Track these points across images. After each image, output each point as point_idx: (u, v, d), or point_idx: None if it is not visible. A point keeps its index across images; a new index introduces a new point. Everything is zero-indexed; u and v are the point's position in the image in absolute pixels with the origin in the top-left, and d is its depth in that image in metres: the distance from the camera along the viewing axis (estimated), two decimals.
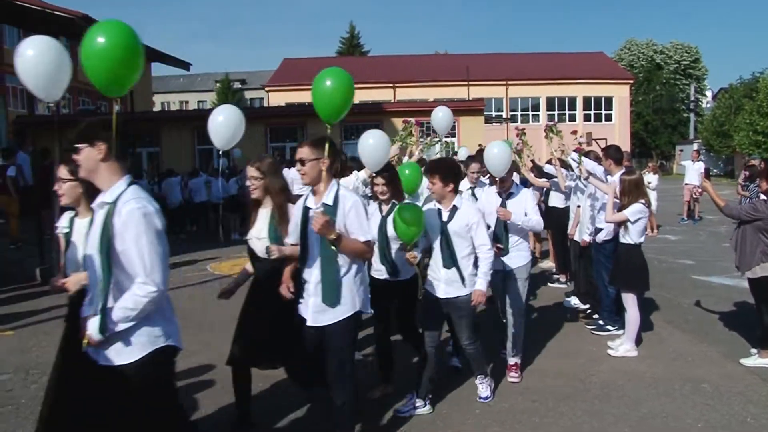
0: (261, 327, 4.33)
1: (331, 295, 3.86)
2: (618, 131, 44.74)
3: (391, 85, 43.98)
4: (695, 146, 32.34)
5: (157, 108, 53.78)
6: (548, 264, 11.21)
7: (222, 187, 16.76)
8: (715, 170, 43.63)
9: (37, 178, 11.18)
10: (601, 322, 7.26)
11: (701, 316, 8.00)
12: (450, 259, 4.84)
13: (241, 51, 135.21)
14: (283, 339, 4.26)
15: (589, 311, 7.83)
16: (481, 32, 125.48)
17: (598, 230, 7.17)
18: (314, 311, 3.92)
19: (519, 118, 44.85)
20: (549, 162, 9.38)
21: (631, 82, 50.05)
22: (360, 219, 3.90)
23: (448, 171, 4.95)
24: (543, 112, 46.50)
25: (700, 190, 6.72)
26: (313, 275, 3.92)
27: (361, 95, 40.39)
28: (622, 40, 68.60)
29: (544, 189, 10.04)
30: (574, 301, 8.35)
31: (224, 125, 5.56)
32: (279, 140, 23.28)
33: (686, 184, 17.94)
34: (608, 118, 47.15)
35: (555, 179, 9.10)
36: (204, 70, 66.99)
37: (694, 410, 5.02)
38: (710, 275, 10.56)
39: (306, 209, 4.00)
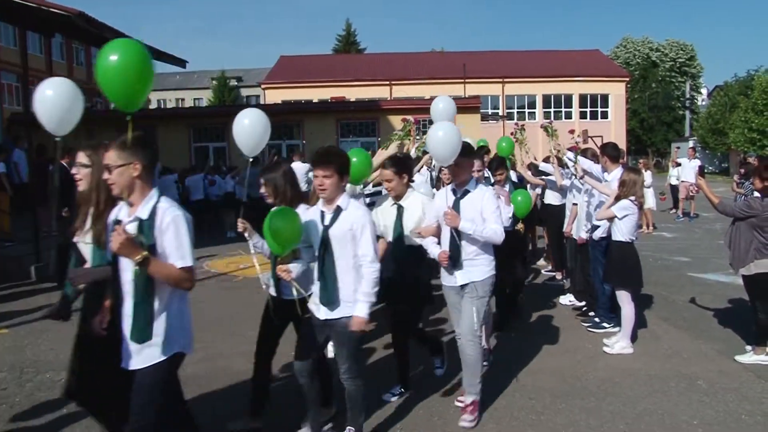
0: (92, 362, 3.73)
1: (140, 332, 3.12)
2: (614, 129, 44.77)
3: (387, 82, 43.93)
4: (691, 143, 32.40)
5: (153, 105, 53.67)
6: (542, 263, 11.24)
7: (218, 184, 16.76)
8: (710, 167, 43.74)
9: (33, 175, 11.14)
10: (597, 319, 7.27)
11: (697, 313, 8.03)
12: (327, 272, 4.05)
13: (237, 48, 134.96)
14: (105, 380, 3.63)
15: (585, 309, 7.85)
16: (477, 30, 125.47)
17: (594, 227, 7.18)
18: (125, 351, 3.28)
19: (515, 115, 44.78)
20: (546, 160, 9.40)
21: (627, 79, 50.07)
22: (179, 239, 3.18)
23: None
24: (539, 110, 46.51)
25: (696, 187, 6.73)
26: (125, 306, 3.24)
27: (358, 93, 40.48)
28: (618, 38, 69.02)
29: (540, 187, 10.06)
30: (570, 298, 8.37)
31: (249, 129, 4.84)
32: (275, 138, 23.23)
33: (683, 181, 18.01)
34: (604, 115, 47.17)
35: (550, 177, 9.11)
36: (200, 67, 66.91)
37: (689, 407, 5.04)
38: (706, 272, 10.59)
39: (116, 223, 3.22)
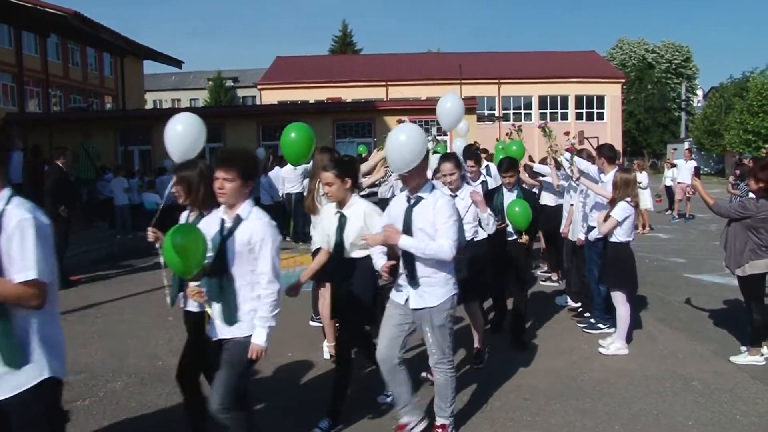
0: None
1: (7, 356, 2.70)
2: (610, 130, 44.87)
3: (383, 83, 43.94)
4: (686, 145, 32.49)
5: (149, 106, 53.56)
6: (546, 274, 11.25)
7: None
8: (705, 169, 43.86)
9: (29, 176, 11.12)
10: (592, 320, 7.28)
11: (692, 314, 8.05)
12: (218, 288, 3.58)
13: (233, 49, 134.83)
14: None
15: (580, 309, 7.86)
16: (473, 31, 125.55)
17: (590, 228, 7.18)
18: None
19: (511, 116, 44.87)
20: (543, 161, 9.41)
21: (623, 81, 50.22)
22: (24, 247, 2.65)
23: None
24: (535, 111, 46.60)
25: (692, 188, 6.75)
26: None
27: (354, 93, 40.52)
28: (614, 39, 68.87)
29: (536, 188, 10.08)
30: (566, 299, 8.38)
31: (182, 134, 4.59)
32: (271, 138, 23.22)
33: (679, 182, 18.07)
34: (600, 116, 47.29)
35: (546, 178, 9.12)
36: (196, 68, 66.88)
37: (684, 408, 5.05)
38: (701, 273, 10.61)
39: None
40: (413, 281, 4.11)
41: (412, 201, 4.13)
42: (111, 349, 6.51)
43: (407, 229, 4.08)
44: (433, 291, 4.12)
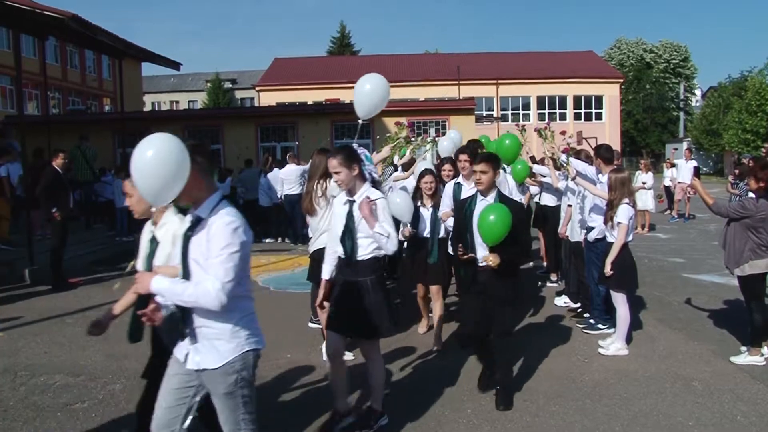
0: None
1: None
2: (608, 130, 44.94)
3: None
4: (685, 145, 32.51)
5: (147, 108, 53.57)
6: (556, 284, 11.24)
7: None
8: (704, 168, 43.88)
9: (29, 178, 11.11)
10: (592, 321, 7.28)
11: (692, 314, 8.04)
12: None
13: (231, 51, 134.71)
14: None
15: (580, 310, 7.85)
16: (471, 31, 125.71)
17: (589, 229, 7.18)
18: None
19: (510, 117, 44.96)
20: (541, 161, 9.41)
21: (621, 80, 50.26)
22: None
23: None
24: (533, 111, 46.64)
25: (692, 188, 6.74)
26: None
27: (352, 94, 40.40)
28: (611, 39, 68.96)
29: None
30: (565, 300, 8.38)
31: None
32: (270, 140, 23.24)
33: (679, 182, 18.09)
34: (598, 116, 47.35)
35: (545, 179, 9.12)
36: (194, 69, 66.89)
37: (684, 408, 5.04)
38: (700, 273, 10.61)
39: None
40: (190, 333, 3.09)
41: (193, 222, 3.07)
42: (110, 352, 6.49)
43: (184, 261, 3.07)
44: (214, 347, 3.04)
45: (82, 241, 12.72)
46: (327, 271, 4.71)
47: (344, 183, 4.50)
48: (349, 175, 4.46)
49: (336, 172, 4.47)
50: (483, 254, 4.92)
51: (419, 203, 6.73)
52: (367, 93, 5.53)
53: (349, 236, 4.49)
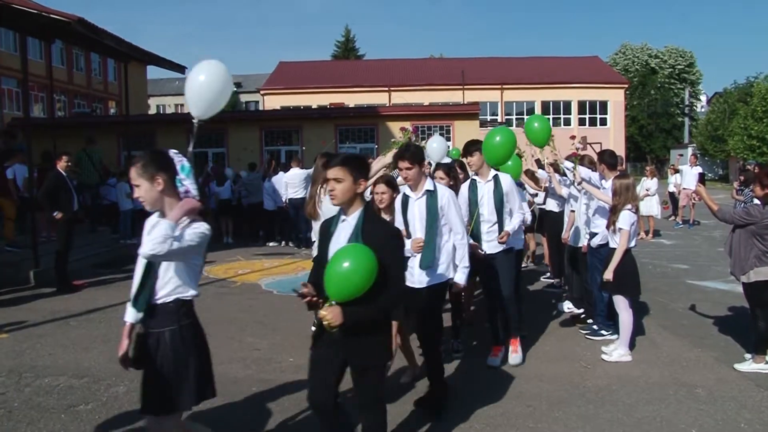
0: None
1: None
2: (613, 135, 44.86)
3: (386, 88, 43.99)
4: (690, 150, 32.49)
5: (152, 111, 53.75)
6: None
7: (214, 191, 16.72)
8: (709, 174, 43.83)
9: (36, 180, 11.17)
10: (595, 326, 7.26)
11: (696, 320, 8.02)
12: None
13: (236, 54, 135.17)
14: None
15: (583, 316, 7.84)
16: (476, 36, 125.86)
17: (593, 235, 7.17)
18: None
19: (514, 122, 44.91)
20: (542, 167, 9.39)
21: (626, 86, 50.19)
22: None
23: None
24: None
25: (696, 194, 6.72)
26: None
27: (357, 99, 40.59)
28: (616, 45, 68.99)
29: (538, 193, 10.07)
30: (568, 305, 8.36)
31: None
32: (274, 143, 23.26)
33: (684, 188, 18.06)
34: (603, 122, 47.24)
35: (548, 184, 9.11)
36: None
37: (688, 415, 5.03)
38: (705, 280, 10.59)
39: None
40: None
41: None
42: (114, 354, 6.45)
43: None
44: None
45: (86, 244, 12.75)
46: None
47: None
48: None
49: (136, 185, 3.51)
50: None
51: None
52: (202, 86, 4.20)
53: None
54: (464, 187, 6.41)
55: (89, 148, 15.30)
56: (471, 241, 5.85)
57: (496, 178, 6.19)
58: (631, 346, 6.54)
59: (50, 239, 11.31)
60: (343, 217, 3.60)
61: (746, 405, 5.23)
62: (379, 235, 3.44)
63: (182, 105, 56.71)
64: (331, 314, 3.23)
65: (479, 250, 6.08)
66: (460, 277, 5.20)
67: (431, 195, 5.13)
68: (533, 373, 6.02)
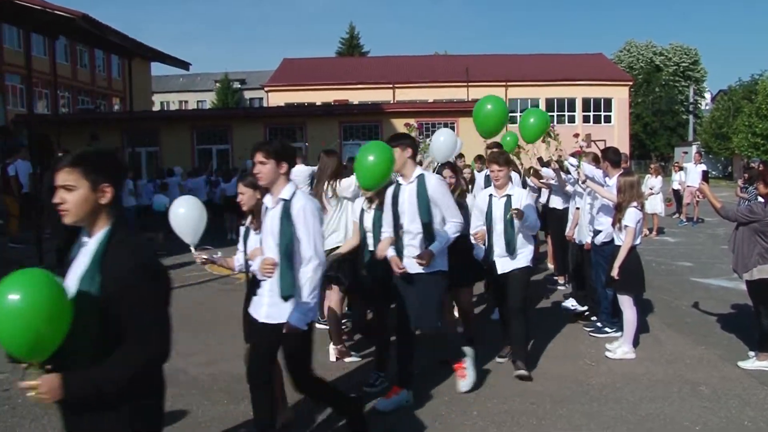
0: None
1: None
2: (617, 133, 44.74)
3: (390, 85, 43.97)
4: (694, 148, 32.43)
5: (156, 107, 53.79)
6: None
7: (221, 187, 16.75)
8: (713, 172, 43.73)
9: (40, 178, 11.20)
10: (599, 324, 7.26)
11: (699, 318, 8.01)
12: None
13: (240, 51, 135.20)
14: None
15: (587, 313, 7.83)
16: (480, 33, 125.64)
17: (597, 232, 7.16)
18: None
19: (518, 119, 44.76)
20: (547, 164, 9.38)
21: (631, 83, 50.03)
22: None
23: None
24: None
25: (700, 192, 6.72)
26: None
27: (361, 96, 40.59)
28: (621, 42, 68.62)
29: (541, 190, 10.05)
30: (572, 302, 8.36)
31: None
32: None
33: (688, 186, 18.04)
34: (607, 119, 47.12)
35: (553, 181, 9.09)
36: (203, 69, 66.97)
37: (691, 413, 5.02)
38: (709, 277, 10.57)
39: None
40: None
41: None
42: None
43: None
44: None
45: None
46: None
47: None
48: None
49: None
50: None
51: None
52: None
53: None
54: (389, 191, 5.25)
55: (93, 144, 15.32)
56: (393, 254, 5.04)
57: (420, 178, 4.99)
58: (635, 343, 6.53)
59: (53, 236, 11.34)
60: (85, 238, 2.51)
61: (750, 403, 5.22)
62: (123, 270, 2.32)
63: (186, 102, 56.75)
64: (46, 385, 2.31)
65: (398, 267, 5.00)
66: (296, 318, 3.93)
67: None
68: (537, 371, 6.00)
